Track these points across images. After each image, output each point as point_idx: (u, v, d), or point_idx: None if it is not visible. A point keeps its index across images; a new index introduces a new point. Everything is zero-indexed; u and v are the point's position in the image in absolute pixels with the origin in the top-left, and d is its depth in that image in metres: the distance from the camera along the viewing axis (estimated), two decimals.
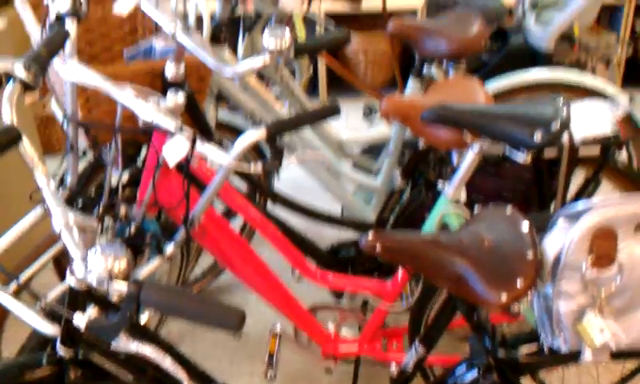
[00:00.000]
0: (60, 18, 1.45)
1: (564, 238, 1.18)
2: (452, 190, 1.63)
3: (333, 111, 1.43)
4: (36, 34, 1.61)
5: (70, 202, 1.64)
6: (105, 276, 0.95)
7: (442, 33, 2.03)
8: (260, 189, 2.19)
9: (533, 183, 1.92)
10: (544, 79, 2.21)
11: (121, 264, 0.95)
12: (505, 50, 2.44)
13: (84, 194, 1.87)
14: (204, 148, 1.42)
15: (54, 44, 1.21)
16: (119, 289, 0.95)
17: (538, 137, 1.42)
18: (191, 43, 1.60)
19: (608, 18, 3.94)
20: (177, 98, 1.51)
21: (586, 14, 2.31)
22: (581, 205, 1.15)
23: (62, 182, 1.72)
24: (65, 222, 1.08)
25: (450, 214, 1.63)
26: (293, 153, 2.21)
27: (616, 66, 2.91)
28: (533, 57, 2.38)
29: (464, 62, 2.11)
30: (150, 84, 1.75)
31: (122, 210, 1.62)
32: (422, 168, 1.95)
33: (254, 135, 1.38)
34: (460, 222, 1.65)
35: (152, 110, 1.42)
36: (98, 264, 0.95)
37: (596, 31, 2.74)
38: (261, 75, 2.46)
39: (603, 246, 1.19)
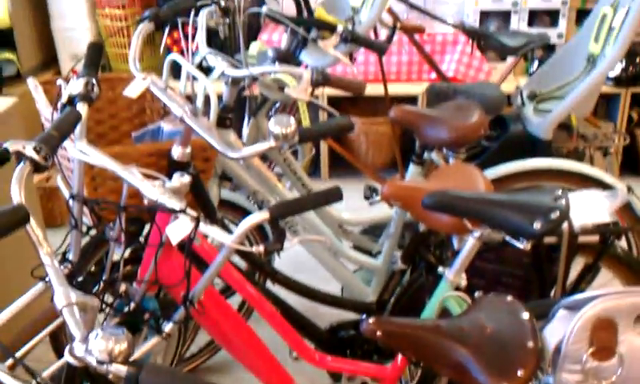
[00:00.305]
0: (72, 100, 1.49)
1: (564, 328, 1.18)
2: (452, 274, 1.64)
3: (335, 196, 1.45)
4: (47, 113, 1.66)
5: (72, 278, 1.64)
6: (105, 358, 0.95)
7: (443, 121, 2.08)
8: (260, 268, 2.20)
9: (533, 269, 1.93)
10: (543, 167, 2.25)
11: (121, 346, 0.95)
12: (504, 137, 2.49)
13: (85, 270, 1.88)
14: (207, 229, 1.44)
15: (66, 126, 1.24)
16: (118, 371, 0.95)
17: (537, 226, 1.44)
18: (198, 126, 1.64)
19: (605, 108, 4.03)
20: (182, 180, 1.53)
21: (583, 105, 2.37)
22: (581, 295, 1.16)
23: (64, 257, 1.72)
24: (67, 301, 1.08)
25: (450, 299, 1.63)
26: (294, 232, 2.23)
27: (614, 155, 2.96)
28: (532, 144, 2.43)
29: (464, 149, 2.15)
30: (156, 164, 1.79)
31: (123, 287, 1.62)
32: (423, 251, 1.96)
33: (256, 218, 1.40)
34: (461, 307, 1.65)
35: (158, 191, 1.45)
36: (99, 345, 0.95)
37: (593, 121, 2.80)
38: (264, 155, 2.51)
39: (603, 337, 1.19)
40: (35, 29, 4.07)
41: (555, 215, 1.45)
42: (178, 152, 1.77)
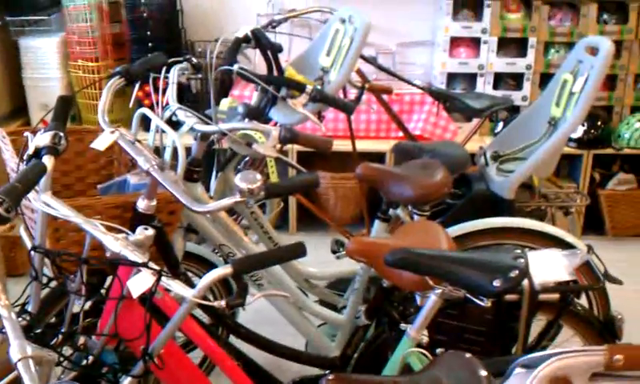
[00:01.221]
0: (38, 152, 1.50)
1: None
2: (414, 331, 1.65)
3: (298, 252, 1.47)
4: (12, 163, 1.65)
5: (29, 330, 1.62)
6: None
7: (408, 179, 2.13)
8: (223, 322, 2.19)
9: (495, 325, 1.95)
10: (504, 225, 2.30)
11: None
12: (468, 195, 2.54)
13: (44, 321, 1.85)
14: (169, 283, 1.44)
15: (31, 178, 1.25)
16: None
17: (497, 284, 1.47)
18: (164, 180, 1.65)
19: (568, 168, 4.14)
20: (146, 233, 1.53)
21: (545, 166, 2.43)
22: (537, 354, 1.18)
23: (23, 308, 1.70)
24: (22, 354, 1.07)
25: (412, 356, 1.64)
26: (258, 285, 2.23)
27: (576, 215, 3.04)
28: (494, 203, 2.48)
29: (428, 207, 2.19)
30: (121, 216, 1.79)
31: (82, 339, 1.60)
32: (387, 306, 1.97)
33: (218, 272, 1.41)
34: (422, 363, 1.66)
35: (120, 244, 1.45)
36: None
37: (555, 181, 2.88)
38: (231, 209, 2.52)
39: None
40: (5, 77, 4.08)
41: (514, 274, 1.48)
42: (143, 204, 1.77)
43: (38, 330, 1.53)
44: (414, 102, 3.99)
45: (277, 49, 2.61)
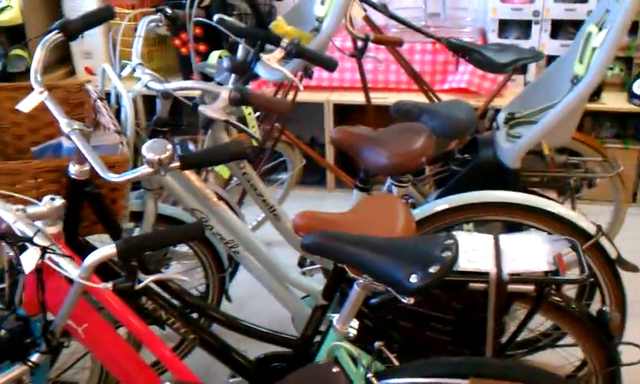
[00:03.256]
0: None
1: None
2: (339, 324, 1.48)
3: (193, 233, 1.33)
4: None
5: None
6: None
7: (382, 145, 1.92)
8: (182, 300, 2.06)
9: (464, 316, 1.75)
10: (500, 199, 2.04)
11: None
12: (472, 163, 2.28)
13: None
14: (57, 260, 1.35)
15: None
16: None
17: (413, 280, 1.27)
18: (81, 145, 1.55)
19: (617, 128, 3.73)
20: (52, 203, 1.44)
21: (559, 131, 2.13)
22: None
23: None
24: None
25: (339, 349, 1.48)
26: (234, 253, 2.12)
27: (619, 182, 2.68)
28: (501, 172, 2.21)
29: (407, 178, 1.97)
30: (58, 180, 1.72)
31: None
32: (343, 287, 1.80)
33: (103, 252, 1.29)
34: (352, 358, 1.49)
35: (12, 216, 1.37)
36: None
37: (594, 145, 2.56)
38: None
39: None
40: (47, 26, 4.10)
41: (435, 269, 1.27)
42: (74, 170, 1.68)
43: None
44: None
45: None
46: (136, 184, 2.11)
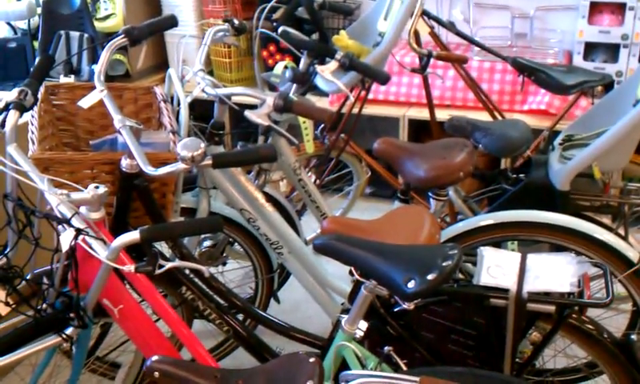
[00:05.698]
0: (7, 107, 1.62)
1: None
2: (347, 324, 1.53)
3: (212, 226, 1.43)
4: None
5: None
6: None
7: (422, 158, 1.95)
8: (216, 289, 2.16)
9: (486, 331, 1.74)
10: (544, 220, 2.01)
11: None
12: (523, 183, 2.26)
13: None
14: (90, 242, 1.49)
15: None
16: None
17: (411, 286, 1.31)
18: (130, 140, 1.69)
19: None
20: (95, 191, 1.59)
21: (613, 155, 2.07)
22: (353, 372, 1.05)
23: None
24: None
25: (346, 350, 1.53)
26: (278, 253, 2.21)
27: None
28: (552, 194, 2.18)
29: (445, 192, 1.99)
30: (112, 172, 1.87)
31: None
32: None
33: (127, 237, 1.42)
34: (360, 358, 1.53)
35: (56, 199, 1.52)
36: None
37: None
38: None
39: None
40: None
41: (432, 276, 1.31)
42: (125, 163, 1.82)
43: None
44: None
45: (343, 10, 2.53)
46: (192, 183, 2.25)
